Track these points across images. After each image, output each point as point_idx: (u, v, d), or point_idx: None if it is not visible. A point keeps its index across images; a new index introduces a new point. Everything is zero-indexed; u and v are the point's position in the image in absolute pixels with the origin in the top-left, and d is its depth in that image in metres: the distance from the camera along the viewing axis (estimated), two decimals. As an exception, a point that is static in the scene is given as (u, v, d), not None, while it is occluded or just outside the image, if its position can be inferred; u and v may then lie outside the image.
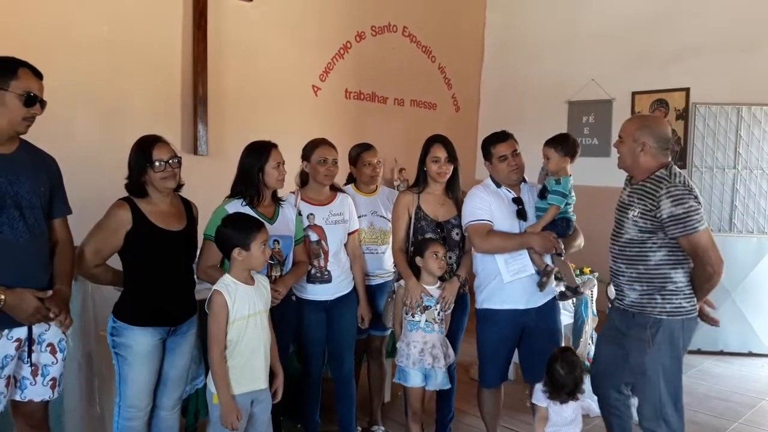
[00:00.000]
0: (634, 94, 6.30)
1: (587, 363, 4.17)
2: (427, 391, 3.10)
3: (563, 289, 3.15)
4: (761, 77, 5.46)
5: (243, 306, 2.51)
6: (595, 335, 4.34)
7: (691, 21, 5.90)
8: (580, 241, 3.11)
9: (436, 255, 3.00)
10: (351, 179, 3.55)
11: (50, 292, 2.35)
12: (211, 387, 2.54)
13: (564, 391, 2.72)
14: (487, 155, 3.09)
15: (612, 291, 2.94)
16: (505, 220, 3.02)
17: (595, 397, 3.94)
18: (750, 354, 5.34)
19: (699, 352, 5.18)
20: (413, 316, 3.03)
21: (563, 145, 2.96)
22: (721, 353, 5.31)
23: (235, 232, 2.52)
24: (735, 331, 5.30)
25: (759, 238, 5.37)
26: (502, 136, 3.08)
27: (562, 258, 3.02)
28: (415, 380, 3.05)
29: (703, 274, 2.62)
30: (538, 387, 2.82)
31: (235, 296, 2.49)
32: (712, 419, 4.04)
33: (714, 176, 5.42)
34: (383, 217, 3.52)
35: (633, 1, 6.30)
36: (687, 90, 5.89)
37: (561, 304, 3.31)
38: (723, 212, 5.40)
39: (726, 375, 4.90)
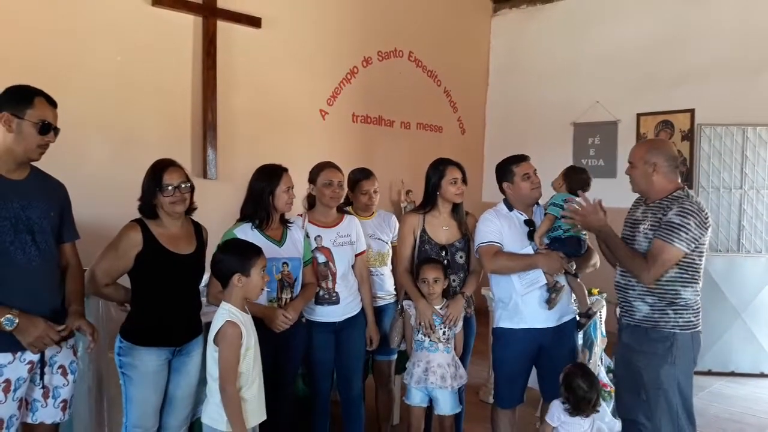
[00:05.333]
0: (639, 115, 6.33)
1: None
2: (441, 415, 3.10)
3: (577, 319, 3.16)
4: (766, 98, 5.48)
5: (249, 335, 2.49)
6: (604, 356, 4.31)
7: (695, 43, 5.95)
8: (596, 261, 3.13)
9: (425, 282, 3.06)
10: (348, 202, 3.58)
11: (63, 327, 2.35)
12: (215, 425, 2.44)
13: (590, 404, 2.74)
14: (508, 175, 3.12)
15: (618, 311, 2.95)
16: (516, 242, 3.04)
17: (606, 419, 3.95)
18: (762, 375, 5.28)
19: (710, 373, 5.13)
20: (423, 336, 3.05)
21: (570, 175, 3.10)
22: (732, 374, 5.26)
23: (235, 258, 2.49)
24: (746, 351, 5.26)
25: (767, 258, 5.35)
26: (523, 157, 3.16)
27: (578, 279, 3.04)
28: (415, 399, 3.10)
29: (635, 267, 2.71)
30: (556, 405, 2.81)
31: (245, 326, 2.47)
32: (724, 441, 4.00)
33: (721, 196, 5.42)
34: (380, 239, 3.55)
35: (637, 24, 6.36)
36: (692, 111, 5.92)
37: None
38: (731, 232, 5.39)
39: (738, 396, 4.84)
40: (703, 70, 5.87)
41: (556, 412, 2.80)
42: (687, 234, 2.60)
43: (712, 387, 4.97)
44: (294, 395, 3.18)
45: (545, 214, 3.03)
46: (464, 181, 3.25)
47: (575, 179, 3.07)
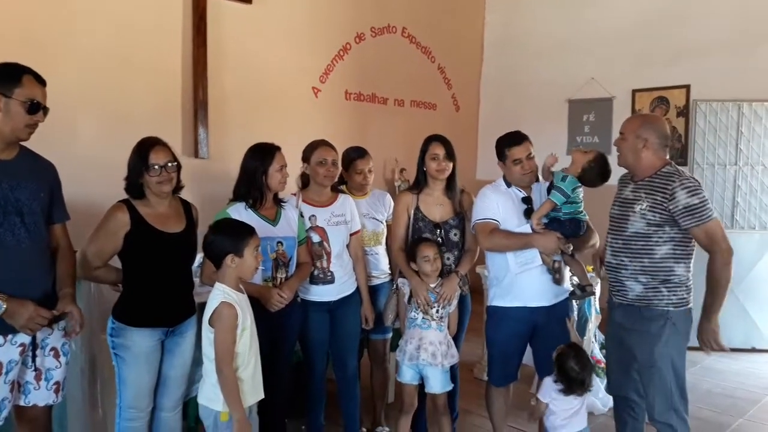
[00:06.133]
0: (634, 92, 6.30)
1: (591, 360, 4.18)
2: (433, 394, 3.11)
3: (573, 288, 3.12)
4: (762, 74, 5.46)
5: (245, 315, 2.47)
6: (598, 333, 4.33)
7: (690, 19, 5.90)
8: (595, 241, 3.09)
9: (426, 259, 3.04)
10: (342, 181, 3.54)
11: (55, 312, 2.34)
12: (211, 405, 2.43)
13: (583, 385, 2.75)
14: (501, 156, 3.08)
15: (603, 272, 2.94)
16: (512, 219, 3.02)
17: (600, 395, 3.98)
18: (753, 350, 5.34)
19: (702, 348, 5.16)
20: (417, 314, 3.05)
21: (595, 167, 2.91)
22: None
23: (227, 238, 2.45)
24: (738, 327, 5.30)
25: (761, 234, 5.36)
26: (518, 139, 3.05)
27: (575, 258, 3.02)
28: (406, 376, 3.11)
29: (720, 261, 2.63)
30: (548, 382, 2.81)
31: (240, 306, 2.44)
32: (716, 415, 4.04)
33: (716, 173, 5.42)
34: (375, 218, 3.53)
35: (633, 0, 6.29)
36: (687, 87, 5.89)
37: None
38: (725, 209, 5.39)
39: (729, 371, 4.89)
40: (698, 46, 5.83)
41: (548, 389, 2.81)
42: (709, 204, 2.62)
43: (704, 362, 5.00)
44: (290, 368, 3.17)
45: (549, 191, 2.94)
46: (450, 157, 3.19)
47: (594, 173, 2.89)
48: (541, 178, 3.12)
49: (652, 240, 2.69)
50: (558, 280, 2.99)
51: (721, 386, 4.56)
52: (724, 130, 5.42)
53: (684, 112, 5.90)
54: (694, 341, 2.78)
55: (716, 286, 2.65)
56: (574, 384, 2.74)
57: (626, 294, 2.79)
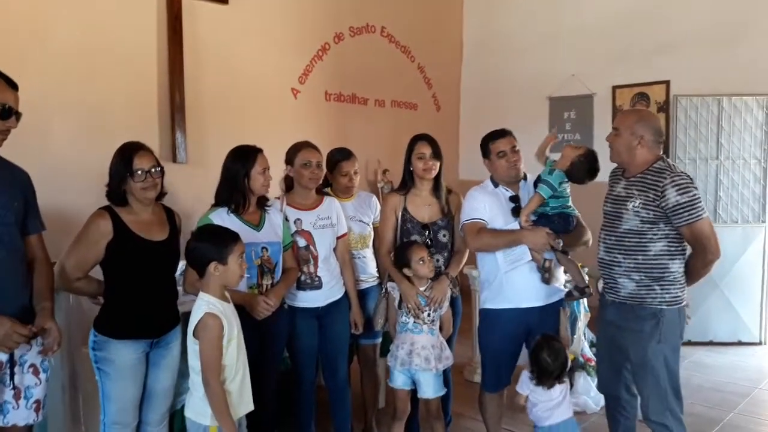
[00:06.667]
0: (614, 88, 6.31)
1: (581, 359, 4.16)
2: (425, 399, 3.04)
3: (570, 288, 3.08)
4: (741, 68, 5.49)
5: (232, 325, 2.39)
6: (587, 331, 4.31)
7: (669, 14, 5.92)
8: (587, 238, 3.04)
9: (422, 261, 2.98)
10: (327, 184, 3.47)
11: (33, 328, 2.24)
12: (199, 419, 2.35)
13: (552, 377, 2.74)
14: (486, 152, 3.05)
15: (601, 285, 2.90)
16: (501, 219, 2.97)
17: (592, 394, 3.96)
18: (740, 343, 5.37)
19: (689, 343, 5.17)
20: (408, 318, 2.99)
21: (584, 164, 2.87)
22: (711, 343, 5.33)
23: (210, 245, 2.36)
24: (724, 320, 5.35)
25: (744, 228, 5.39)
26: (501, 132, 3.04)
27: (568, 255, 2.98)
28: (398, 381, 3.05)
29: (702, 261, 2.66)
30: (525, 375, 2.81)
31: (226, 316, 2.35)
32: (708, 410, 4.03)
33: (697, 167, 5.43)
34: (362, 221, 3.45)
35: (611, -4, 6.31)
36: (667, 82, 5.91)
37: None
38: (707, 203, 5.39)
39: (718, 365, 4.91)
40: (678, 41, 5.85)
41: (525, 381, 2.81)
42: (700, 202, 2.60)
43: (693, 357, 5.02)
44: (279, 377, 3.09)
45: (536, 185, 2.91)
46: (436, 156, 3.15)
47: (582, 169, 2.84)
48: (528, 176, 3.08)
49: (646, 237, 2.66)
50: (547, 279, 2.94)
51: (711, 381, 4.56)
52: (704, 124, 5.44)
53: (664, 107, 5.92)
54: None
55: (689, 277, 2.72)
56: (545, 375, 2.74)
57: (619, 291, 2.75)
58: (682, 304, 2.70)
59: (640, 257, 2.68)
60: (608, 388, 2.98)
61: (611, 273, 2.78)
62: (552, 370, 2.73)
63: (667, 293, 2.66)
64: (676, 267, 2.68)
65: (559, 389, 2.78)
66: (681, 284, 2.69)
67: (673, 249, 2.67)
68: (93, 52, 4.30)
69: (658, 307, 2.66)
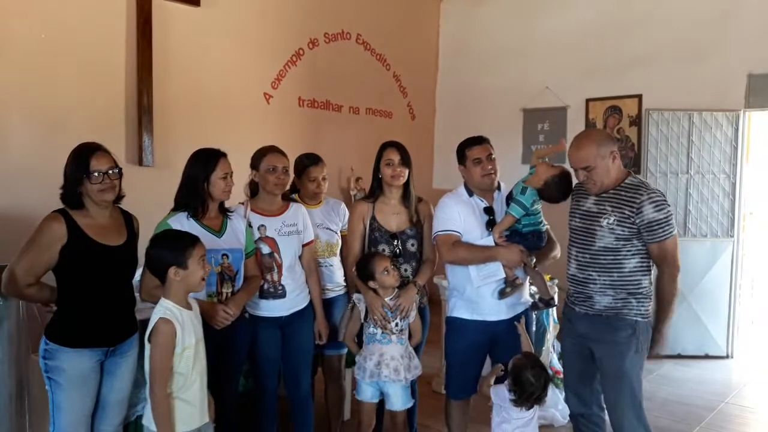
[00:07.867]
0: (588, 101, 6.33)
1: (550, 371, 4.13)
2: (393, 411, 2.98)
3: (535, 300, 3.07)
4: (711, 84, 5.54)
5: (190, 333, 2.31)
6: (556, 343, 4.29)
7: (642, 29, 5.96)
8: (557, 252, 3.04)
9: (387, 271, 2.93)
10: (294, 189, 3.40)
11: None
12: (152, 426, 2.28)
13: (533, 397, 2.65)
14: (462, 158, 3.01)
15: (571, 300, 2.88)
16: (474, 230, 2.93)
17: (560, 406, 3.93)
18: (707, 356, 5.40)
19: (657, 356, 5.17)
20: (376, 329, 2.92)
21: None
22: (679, 356, 5.35)
23: (169, 250, 2.30)
24: (691, 334, 5.37)
25: (713, 242, 5.44)
26: (477, 140, 3.01)
27: (536, 269, 2.96)
28: (366, 394, 2.99)
29: (668, 276, 2.66)
30: (503, 389, 2.70)
31: (182, 323, 2.28)
32: (674, 424, 4.03)
33: (668, 181, 5.48)
34: (329, 229, 3.39)
35: (586, 10, 6.33)
36: (640, 96, 5.94)
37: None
38: (677, 216, 5.44)
39: (685, 378, 4.92)
40: (650, 55, 5.89)
41: (503, 394, 2.70)
42: (672, 219, 2.62)
43: (660, 370, 5.04)
44: (236, 393, 3.00)
45: (508, 203, 2.88)
46: (405, 163, 3.10)
47: (556, 190, 2.80)
48: (502, 185, 3.05)
49: (621, 254, 2.66)
50: (504, 294, 2.90)
51: (677, 394, 4.56)
52: (675, 138, 5.49)
53: (637, 121, 5.95)
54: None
55: (663, 299, 2.69)
56: (526, 397, 2.65)
57: (593, 305, 2.73)
58: (650, 318, 2.71)
59: (615, 274, 2.67)
60: (580, 406, 2.92)
61: (585, 290, 2.76)
62: (533, 390, 2.64)
63: (641, 306, 2.68)
64: (646, 282, 2.70)
65: (533, 408, 2.72)
66: (650, 299, 2.71)
67: (644, 265, 2.69)
68: (57, 53, 4.18)
69: (634, 318, 2.67)
